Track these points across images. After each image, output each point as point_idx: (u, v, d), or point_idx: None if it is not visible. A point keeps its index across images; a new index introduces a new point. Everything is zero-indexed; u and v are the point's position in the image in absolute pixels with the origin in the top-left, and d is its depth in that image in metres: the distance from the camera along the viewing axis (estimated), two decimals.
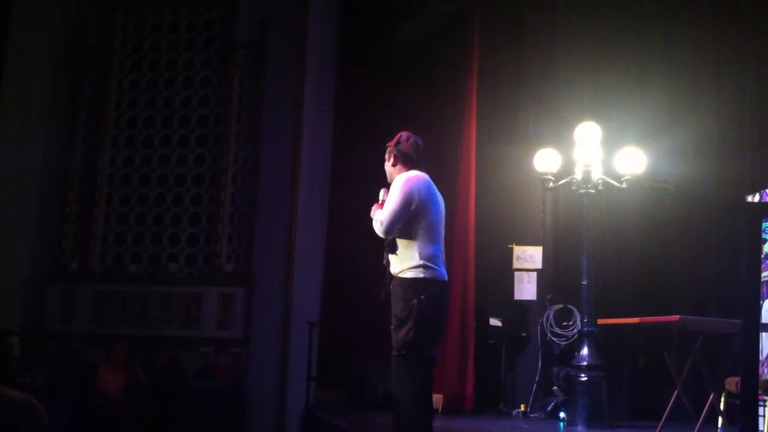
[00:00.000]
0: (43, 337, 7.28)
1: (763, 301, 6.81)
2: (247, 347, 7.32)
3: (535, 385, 8.56)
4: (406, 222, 4.70)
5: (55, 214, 7.90)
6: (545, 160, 7.86)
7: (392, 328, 4.67)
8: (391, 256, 4.78)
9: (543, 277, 9.03)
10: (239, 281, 7.46)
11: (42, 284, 7.74)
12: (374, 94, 9.03)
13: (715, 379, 6.23)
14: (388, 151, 4.98)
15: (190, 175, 7.85)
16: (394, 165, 4.93)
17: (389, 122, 8.40)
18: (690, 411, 6.42)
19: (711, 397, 6.12)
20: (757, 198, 7.23)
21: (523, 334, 8.92)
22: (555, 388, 8.25)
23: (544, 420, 8.10)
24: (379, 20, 9.23)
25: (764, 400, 5.89)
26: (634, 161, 7.52)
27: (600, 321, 7.39)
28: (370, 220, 4.84)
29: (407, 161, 4.91)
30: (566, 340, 8.43)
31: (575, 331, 8.22)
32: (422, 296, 4.61)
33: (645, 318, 6.52)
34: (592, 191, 7.59)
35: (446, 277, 4.81)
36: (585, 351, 7.51)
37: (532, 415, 8.30)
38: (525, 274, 9.11)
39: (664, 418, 6.40)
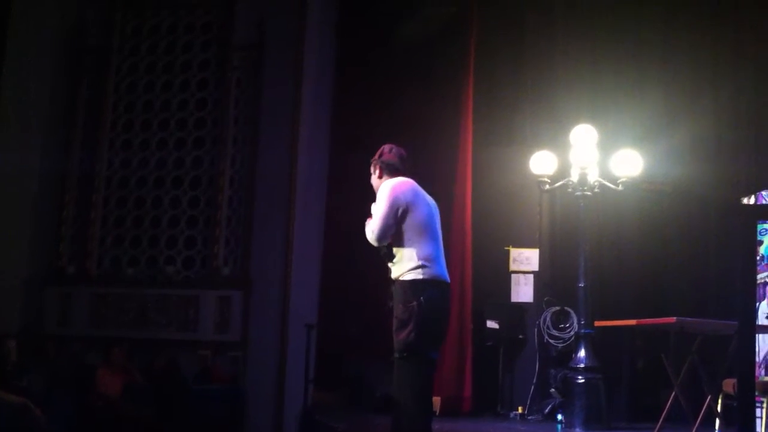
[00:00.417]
0: (41, 340, 7.28)
1: (760, 302, 6.83)
2: (245, 350, 7.32)
3: (532, 387, 8.57)
4: (397, 226, 4.74)
5: (52, 216, 7.89)
6: (542, 163, 7.87)
7: (393, 330, 4.68)
8: (389, 261, 4.81)
9: (540, 279, 9.03)
10: (237, 284, 7.46)
11: (40, 287, 7.73)
12: (372, 95, 9.04)
13: (712, 381, 6.25)
14: (372, 165, 5.03)
15: (188, 177, 7.85)
16: (380, 177, 5.00)
17: (387, 124, 8.45)
18: (687, 412, 6.44)
19: (708, 398, 6.13)
20: (752, 200, 7.24)
21: (521, 337, 8.92)
22: (552, 390, 8.25)
23: (542, 422, 8.11)
24: (376, 22, 9.23)
25: (761, 402, 5.90)
26: (630, 163, 7.54)
27: (597, 323, 7.40)
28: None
29: (392, 171, 4.97)
30: (563, 342, 8.44)
31: (572, 333, 8.23)
32: (422, 298, 4.63)
33: (642, 320, 6.53)
34: (589, 193, 7.61)
35: (447, 278, 4.84)
36: (582, 353, 7.52)
37: (529, 417, 8.30)
38: (522, 276, 9.11)
39: (661, 419, 6.41)
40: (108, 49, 8.05)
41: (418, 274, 4.69)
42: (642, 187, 7.61)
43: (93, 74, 8.09)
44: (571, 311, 8.34)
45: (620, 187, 7.46)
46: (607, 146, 7.77)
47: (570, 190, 7.71)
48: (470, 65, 8.90)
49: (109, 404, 6.58)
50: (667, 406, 6.44)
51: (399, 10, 9.26)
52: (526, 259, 9.12)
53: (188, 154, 7.87)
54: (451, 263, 8.23)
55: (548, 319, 8.56)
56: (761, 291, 6.91)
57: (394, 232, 4.75)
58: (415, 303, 4.62)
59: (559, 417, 7.85)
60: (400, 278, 4.73)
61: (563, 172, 7.82)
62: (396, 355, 4.68)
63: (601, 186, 7.58)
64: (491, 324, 8.81)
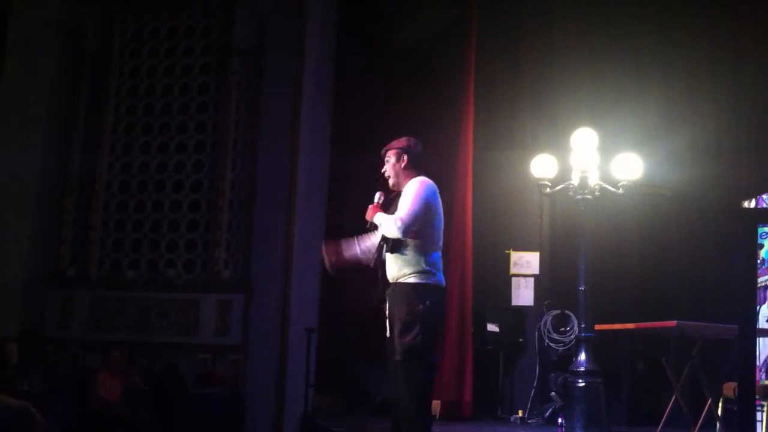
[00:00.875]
0: (41, 343, 7.27)
1: (761, 306, 6.83)
2: (246, 354, 7.31)
3: (532, 390, 8.57)
4: (421, 225, 4.74)
5: (53, 219, 7.89)
6: (542, 166, 7.86)
7: (396, 332, 4.68)
8: (391, 261, 4.80)
9: (540, 282, 9.04)
10: (237, 287, 7.45)
11: (40, 290, 7.72)
12: (372, 98, 9.04)
13: (712, 385, 6.25)
14: (393, 152, 4.99)
15: (188, 181, 7.84)
16: (405, 168, 4.95)
17: (386, 127, 8.41)
18: (687, 416, 6.44)
19: (708, 402, 6.13)
20: (753, 203, 7.24)
21: (521, 340, 8.92)
22: (553, 393, 8.25)
23: (542, 426, 8.11)
24: (376, 26, 9.24)
25: (761, 406, 5.90)
26: (630, 167, 7.53)
27: (597, 327, 7.40)
28: (366, 221, 4.88)
29: (418, 166, 4.97)
30: (564, 346, 8.43)
31: (573, 336, 8.23)
32: (427, 301, 4.65)
33: (642, 323, 6.53)
34: (589, 197, 7.60)
35: (445, 284, 4.87)
36: (582, 357, 7.51)
37: (530, 421, 8.30)
38: (522, 279, 9.11)
39: (662, 423, 6.41)
40: (108, 52, 8.05)
41: (424, 279, 4.72)
42: (642, 190, 7.61)
43: (93, 77, 8.08)
44: (572, 315, 8.34)
45: (621, 191, 7.46)
46: (607, 150, 7.76)
47: (570, 193, 7.70)
48: (470, 68, 8.90)
49: (109, 408, 6.57)
50: (668, 410, 6.45)
51: (399, 14, 9.28)
52: (526, 262, 9.12)
53: (189, 158, 7.87)
54: (452, 266, 8.27)
55: (549, 322, 8.56)
56: (762, 294, 6.92)
57: (416, 229, 4.75)
58: (421, 306, 4.64)
59: (560, 421, 7.85)
60: (404, 280, 4.73)
61: (564, 175, 7.82)
62: (399, 357, 4.67)
63: (602, 189, 7.58)
64: (492, 327, 8.81)
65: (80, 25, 8.13)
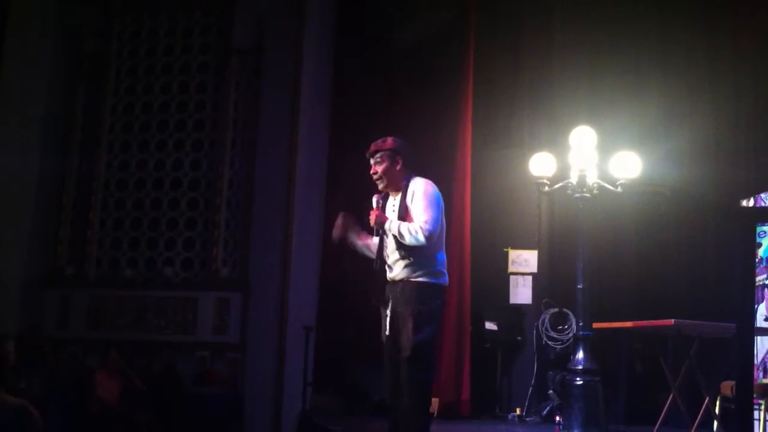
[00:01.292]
0: (40, 342, 7.26)
1: (758, 305, 6.83)
2: (244, 352, 7.32)
3: (530, 389, 8.56)
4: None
5: (51, 218, 7.89)
6: (541, 164, 7.86)
7: (408, 330, 4.68)
8: (401, 261, 4.79)
9: (538, 281, 9.03)
10: (235, 286, 7.46)
11: (38, 289, 7.73)
12: (371, 98, 9.03)
13: (710, 383, 6.25)
14: (386, 154, 4.97)
15: (186, 179, 7.85)
16: (400, 169, 4.94)
17: (385, 126, 8.40)
18: (685, 415, 6.44)
19: (706, 401, 6.14)
20: (751, 202, 7.24)
21: (519, 339, 8.92)
22: (551, 392, 8.25)
23: (540, 424, 8.10)
24: (375, 25, 9.24)
25: (759, 404, 5.90)
26: (629, 165, 7.53)
27: (595, 325, 7.40)
28: (369, 226, 4.89)
29: (412, 167, 4.99)
30: (562, 345, 8.43)
31: (571, 335, 8.23)
32: (438, 300, 4.71)
33: (640, 322, 6.53)
34: (588, 195, 7.60)
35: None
36: (580, 355, 7.50)
37: (527, 420, 8.30)
38: (520, 278, 9.11)
39: (659, 422, 6.41)
40: (106, 52, 8.05)
41: (435, 278, 4.75)
42: (641, 189, 7.61)
43: (92, 77, 8.09)
44: (570, 313, 8.34)
45: (619, 189, 7.46)
46: (606, 148, 7.76)
47: (569, 192, 7.70)
48: (469, 67, 8.90)
49: (107, 407, 6.57)
50: (665, 409, 6.45)
51: (398, 14, 9.27)
52: (524, 260, 9.11)
53: (187, 156, 7.87)
54: (450, 265, 8.22)
55: (547, 321, 8.55)
56: (760, 293, 6.92)
57: None
58: (432, 305, 4.68)
59: (557, 419, 7.84)
60: (415, 279, 4.75)
61: (562, 173, 7.81)
62: (406, 353, 4.67)
63: (600, 188, 7.58)
64: (490, 326, 8.81)
65: (79, 26, 8.13)
